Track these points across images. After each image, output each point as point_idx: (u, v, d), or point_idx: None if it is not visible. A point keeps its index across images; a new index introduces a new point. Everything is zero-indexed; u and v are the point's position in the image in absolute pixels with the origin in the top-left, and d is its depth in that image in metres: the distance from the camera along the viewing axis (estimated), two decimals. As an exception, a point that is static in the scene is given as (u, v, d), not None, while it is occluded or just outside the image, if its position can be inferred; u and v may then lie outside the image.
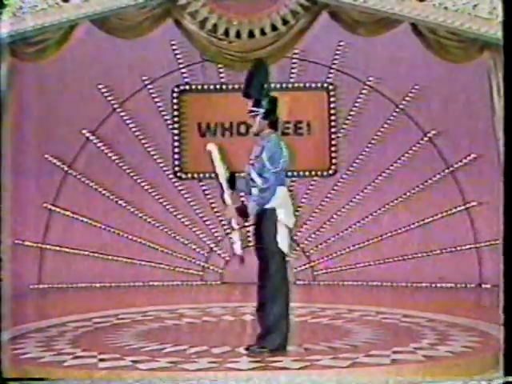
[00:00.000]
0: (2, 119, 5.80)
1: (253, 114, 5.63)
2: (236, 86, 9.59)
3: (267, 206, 5.51)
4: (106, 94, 9.88)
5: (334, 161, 9.98)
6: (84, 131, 9.90)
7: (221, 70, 9.85)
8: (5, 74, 6.61)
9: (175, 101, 10.00)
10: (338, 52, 9.79)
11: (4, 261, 5.33)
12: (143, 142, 9.98)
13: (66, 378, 5.11)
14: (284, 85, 9.83)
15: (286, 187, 5.67)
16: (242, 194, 5.90)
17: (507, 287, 5.34)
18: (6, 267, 5.37)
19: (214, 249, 10.09)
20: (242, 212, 5.54)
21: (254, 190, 5.58)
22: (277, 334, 5.54)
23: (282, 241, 5.53)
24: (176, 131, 10.00)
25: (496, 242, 8.13)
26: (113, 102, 9.92)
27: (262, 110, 5.60)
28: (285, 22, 7.78)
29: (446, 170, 9.69)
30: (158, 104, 9.99)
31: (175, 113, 10.01)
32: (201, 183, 10.04)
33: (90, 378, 5.08)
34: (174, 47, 9.77)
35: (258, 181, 5.54)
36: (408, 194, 9.74)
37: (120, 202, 9.94)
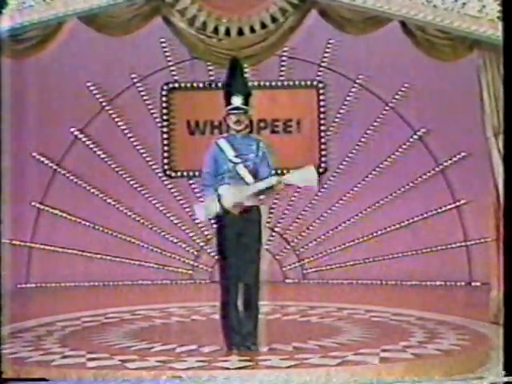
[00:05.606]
0: None
1: (242, 111, 5.65)
2: (225, 84, 9.55)
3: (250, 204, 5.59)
4: (94, 92, 9.84)
5: (323, 159, 9.96)
6: (72, 129, 9.85)
7: (210, 68, 9.81)
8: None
9: (164, 98, 9.96)
10: (327, 50, 9.78)
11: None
12: (132, 139, 9.93)
13: (54, 377, 5.07)
14: (274, 83, 9.81)
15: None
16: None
17: (507, 287, 5.33)
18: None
19: (204, 247, 10.06)
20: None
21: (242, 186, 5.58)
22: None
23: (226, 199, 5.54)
24: (165, 129, 9.96)
25: (486, 240, 8.15)
26: (101, 99, 9.87)
27: (249, 107, 5.67)
28: (274, 19, 7.75)
29: (436, 169, 9.69)
30: (147, 102, 9.95)
31: (164, 111, 9.97)
32: (190, 181, 10.00)
33: (78, 377, 5.04)
34: (163, 45, 9.73)
35: (249, 178, 5.52)
36: (398, 192, 9.74)
37: (109, 200, 9.89)
